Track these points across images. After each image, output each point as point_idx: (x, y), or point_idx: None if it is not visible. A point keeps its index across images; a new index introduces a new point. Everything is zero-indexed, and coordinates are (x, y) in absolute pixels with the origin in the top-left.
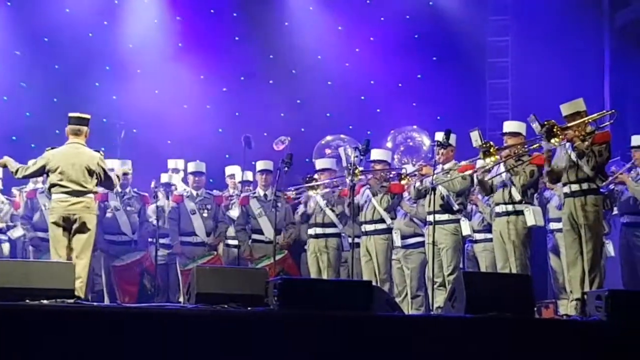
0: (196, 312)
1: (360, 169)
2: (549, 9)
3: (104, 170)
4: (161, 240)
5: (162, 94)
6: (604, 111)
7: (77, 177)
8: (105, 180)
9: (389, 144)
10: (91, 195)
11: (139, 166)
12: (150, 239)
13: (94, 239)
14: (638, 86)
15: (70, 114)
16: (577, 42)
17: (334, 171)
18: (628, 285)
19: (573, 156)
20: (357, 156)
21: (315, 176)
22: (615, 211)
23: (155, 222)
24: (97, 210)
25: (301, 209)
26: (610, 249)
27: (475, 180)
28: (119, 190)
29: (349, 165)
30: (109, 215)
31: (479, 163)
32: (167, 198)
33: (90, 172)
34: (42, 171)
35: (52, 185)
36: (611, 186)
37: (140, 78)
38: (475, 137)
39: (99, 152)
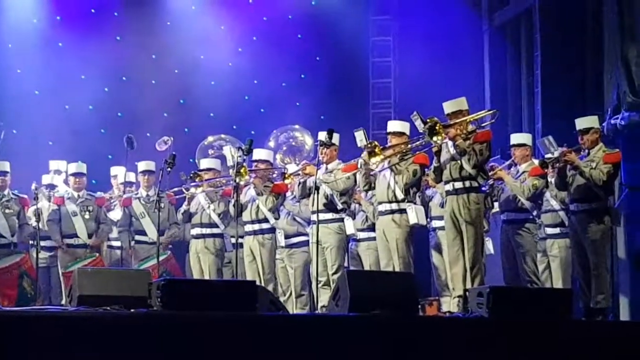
0: (78, 315)
1: (246, 168)
2: (429, 9)
3: None
4: (42, 243)
5: (43, 94)
6: (486, 110)
7: None
8: None
9: (272, 144)
10: None
11: (18, 168)
12: (31, 242)
13: None
14: (517, 85)
15: None
16: (458, 41)
17: (218, 171)
18: (509, 282)
19: (455, 154)
20: (240, 156)
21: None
22: (496, 208)
23: (35, 224)
24: None
25: (183, 207)
26: (489, 246)
27: (360, 178)
28: None
29: (234, 164)
30: None
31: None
32: (49, 200)
33: None
34: None
35: None
36: (490, 181)
37: (20, 78)
38: (360, 136)
39: None
